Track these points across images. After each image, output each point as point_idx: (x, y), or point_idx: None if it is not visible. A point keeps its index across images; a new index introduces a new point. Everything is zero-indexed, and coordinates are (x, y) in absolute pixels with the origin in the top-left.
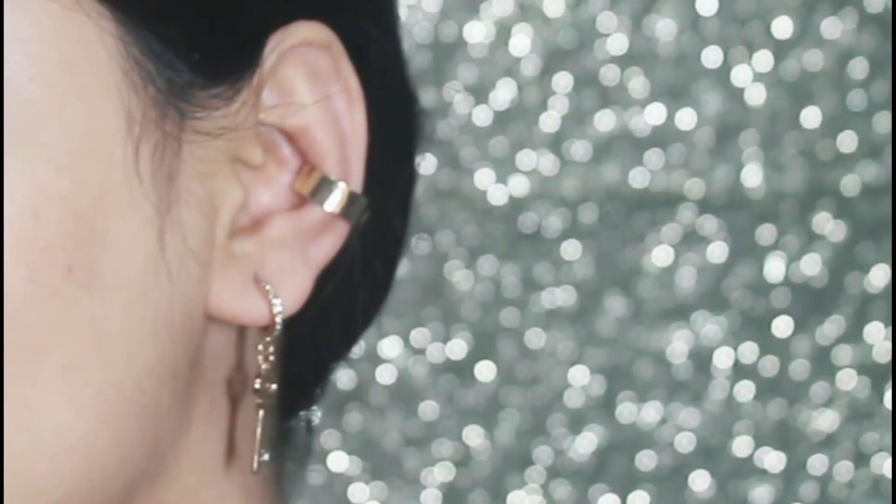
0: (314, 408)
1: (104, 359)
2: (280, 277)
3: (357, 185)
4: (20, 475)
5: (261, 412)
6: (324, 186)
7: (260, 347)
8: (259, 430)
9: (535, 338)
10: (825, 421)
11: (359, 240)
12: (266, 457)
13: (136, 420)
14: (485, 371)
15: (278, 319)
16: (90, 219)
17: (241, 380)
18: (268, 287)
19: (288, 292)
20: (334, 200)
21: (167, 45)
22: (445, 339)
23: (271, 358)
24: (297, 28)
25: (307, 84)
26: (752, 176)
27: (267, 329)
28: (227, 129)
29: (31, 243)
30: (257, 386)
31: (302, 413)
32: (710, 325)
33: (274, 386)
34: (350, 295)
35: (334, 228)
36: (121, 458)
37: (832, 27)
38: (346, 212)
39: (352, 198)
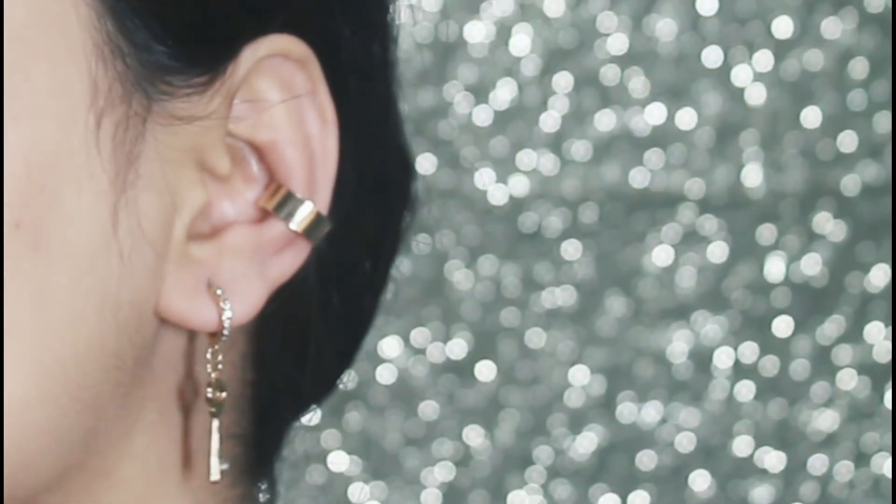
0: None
1: (47, 327)
2: (234, 286)
3: (323, 206)
4: None
5: (214, 421)
6: (289, 203)
7: (209, 355)
8: (214, 440)
9: (536, 338)
10: (825, 421)
11: (318, 280)
12: (225, 466)
13: (76, 402)
14: (485, 371)
15: (226, 324)
16: (43, 178)
17: (192, 389)
18: (219, 292)
19: (240, 302)
20: (299, 218)
21: (142, 24)
22: (446, 339)
23: (220, 367)
24: (276, 38)
25: (279, 98)
26: (753, 176)
27: (215, 336)
28: (195, 119)
29: None
30: (209, 395)
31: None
32: (710, 325)
33: (223, 394)
34: (310, 341)
35: (295, 247)
36: (57, 438)
37: (832, 27)
38: (309, 232)
39: (317, 219)
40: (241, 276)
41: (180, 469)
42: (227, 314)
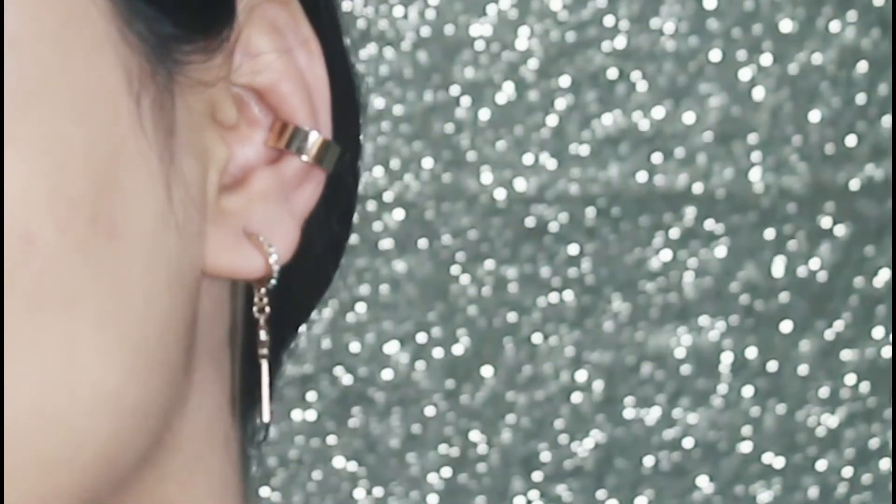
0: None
1: (130, 312)
2: (269, 228)
3: (327, 133)
4: (60, 430)
5: (264, 363)
6: (298, 138)
7: (256, 300)
8: (265, 382)
9: (537, 338)
10: (827, 421)
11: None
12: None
13: (159, 376)
14: (486, 372)
15: (275, 268)
16: (106, 171)
17: (234, 337)
18: (261, 238)
19: (278, 243)
20: (310, 150)
21: (152, 2)
22: (447, 340)
23: (266, 309)
24: None
25: (269, 41)
26: (756, 176)
27: (261, 280)
28: (213, 83)
29: (59, 194)
30: (263, 337)
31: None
32: (712, 326)
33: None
34: (310, 252)
35: (313, 177)
36: (145, 416)
37: (837, 27)
38: (321, 159)
39: (325, 145)
40: (274, 218)
41: (227, 420)
42: (273, 257)
